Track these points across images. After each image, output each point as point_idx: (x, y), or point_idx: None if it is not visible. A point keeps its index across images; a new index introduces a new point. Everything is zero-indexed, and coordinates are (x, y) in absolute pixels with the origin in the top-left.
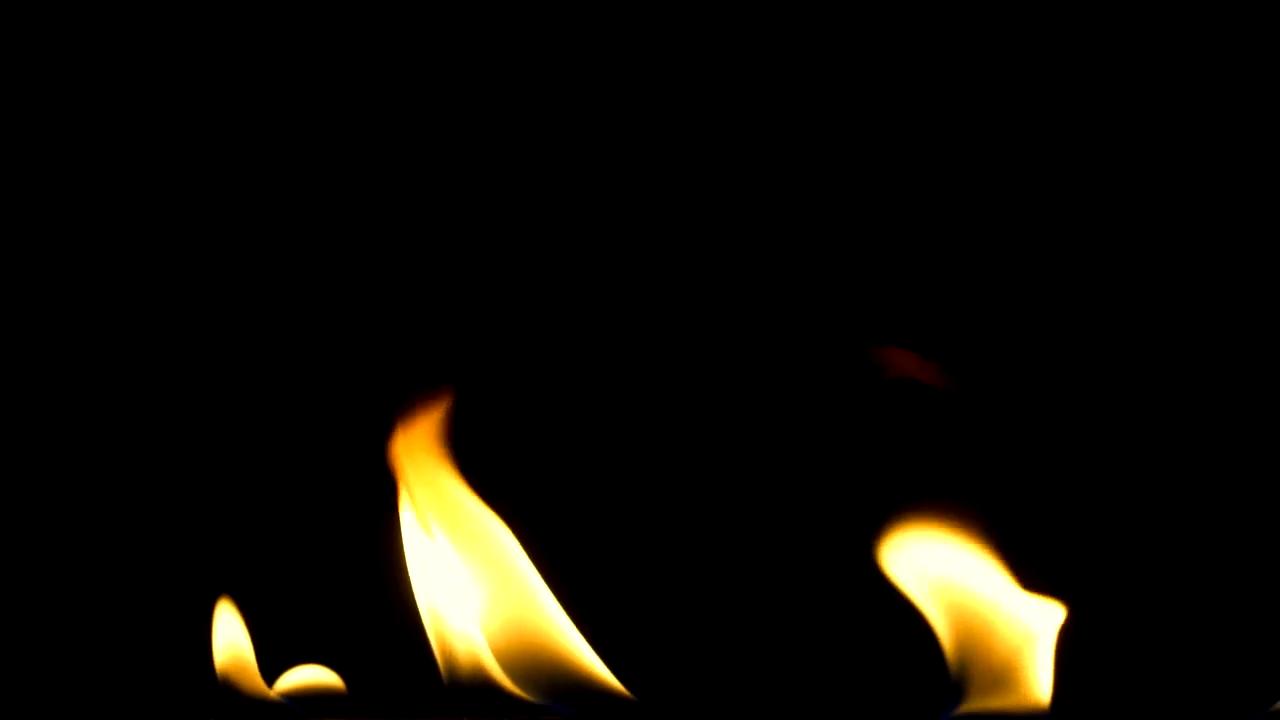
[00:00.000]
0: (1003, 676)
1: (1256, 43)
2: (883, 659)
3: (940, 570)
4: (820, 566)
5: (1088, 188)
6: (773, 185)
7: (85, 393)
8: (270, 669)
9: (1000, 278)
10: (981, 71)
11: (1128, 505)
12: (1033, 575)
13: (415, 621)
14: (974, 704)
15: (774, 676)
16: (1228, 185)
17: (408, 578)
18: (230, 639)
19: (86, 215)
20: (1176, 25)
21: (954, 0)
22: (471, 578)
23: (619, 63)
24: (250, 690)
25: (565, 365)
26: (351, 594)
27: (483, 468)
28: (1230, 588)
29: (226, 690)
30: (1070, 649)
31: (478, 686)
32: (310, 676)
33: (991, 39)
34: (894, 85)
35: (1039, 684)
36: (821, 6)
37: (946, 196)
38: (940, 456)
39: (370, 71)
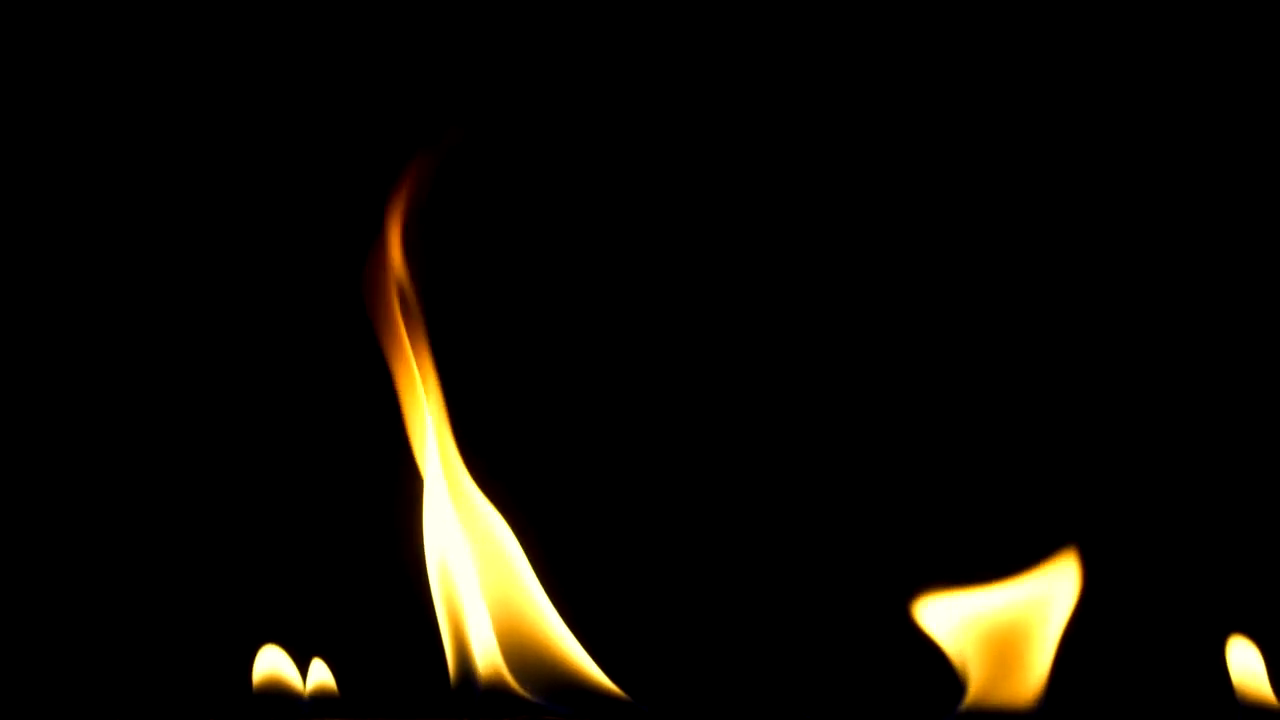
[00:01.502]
0: (1004, 668)
1: (1256, 43)
2: (882, 658)
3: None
4: (819, 565)
5: (1087, 187)
6: (773, 181)
7: (85, 392)
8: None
9: (996, 281)
10: (983, 72)
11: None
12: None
13: (418, 620)
14: (977, 698)
15: (774, 676)
16: (1228, 185)
17: (414, 576)
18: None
19: (76, 214)
20: (1177, 25)
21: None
22: (473, 573)
23: (619, 62)
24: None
25: (567, 362)
26: (351, 593)
27: (483, 466)
28: (1219, 586)
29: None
30: (1068, 644)
31: (489, 688)
32: (314, 676)
33: (992, 40)
34: (896, 85)
35: (1035, 676)
36: (822, 6)
37: (947, 193)
38: (936, 452)
39: (371, 70)
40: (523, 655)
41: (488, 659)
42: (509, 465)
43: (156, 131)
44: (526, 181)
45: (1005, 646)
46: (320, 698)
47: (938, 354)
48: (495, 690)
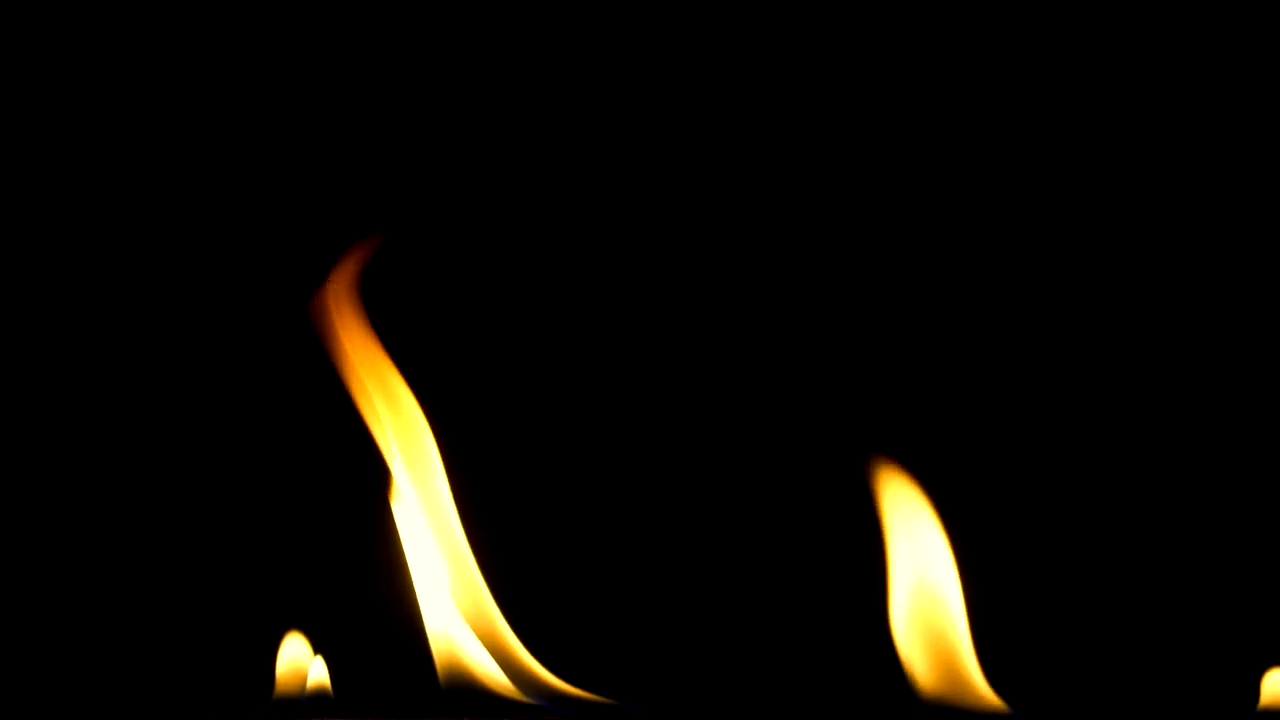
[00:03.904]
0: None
1: (1256, 43)
2: (870, 657)
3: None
4: (803, 565)
5: (1088, 188)
6: (741, 184)
7: (84, 394)
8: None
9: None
10: (983, 73)
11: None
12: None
13: (414, 620)
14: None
15: (761, 676)
16: (1228, 185)
17: (408, 576)
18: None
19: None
20: (1177, 25)
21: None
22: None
23: (618, 62)
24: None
25: (546, 364)
26: (350, 592)
27: (461, 464)
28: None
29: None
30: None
31: (474, 688)
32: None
33: (992, 41)
34: (894, 87)
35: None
36: (823, 7)
37: (942, 196)
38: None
39: (369, 69)
40: (510, 657)
41: (476, 660)
42: (495, 470)
43: (149, 139)
44: (493, 189)
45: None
46: (317, 697)
47: (920, 354)
48: (487, 690)
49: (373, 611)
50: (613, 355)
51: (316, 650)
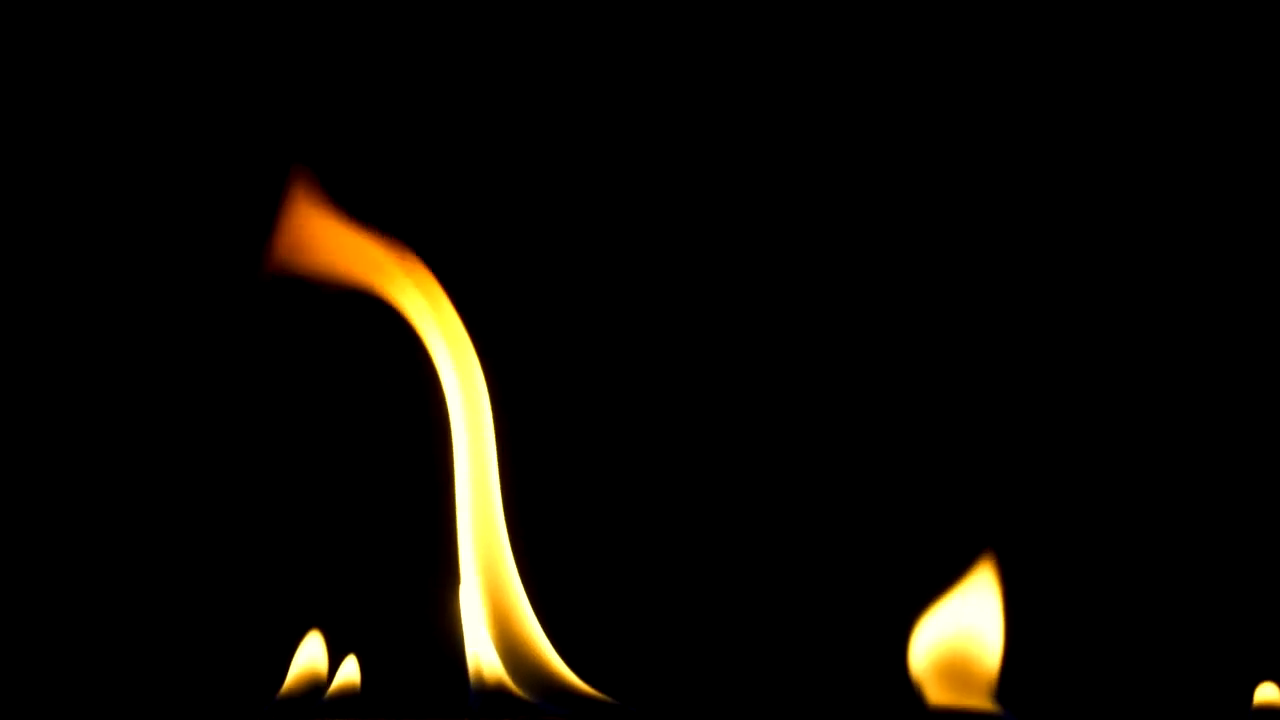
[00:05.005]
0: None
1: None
2: (860, 660)
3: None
4: (801, 568)
5: (1088, 188)
6: (754, 181)
7: (89, 392)
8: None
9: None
10: (983, 72)
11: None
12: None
13: (425, 620)
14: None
15: (758, 678)
16: (1228, 185)
17: (432, 577)
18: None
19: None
20: (1177, 25)
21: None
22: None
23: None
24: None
25: (548, 364)
26: (356, 592)
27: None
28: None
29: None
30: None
31: (498, 690)
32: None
33: (992, 40)
34: (895, 86)
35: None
36: (824, 7)
37: (946, 196)
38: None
39: (365, 69)
40: (517, 657)
41: (490, 661)
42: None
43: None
44: (503, 185)
45: (955, 668)
46: (340, 696)
47: (919, 359)
48: (495, 692)
49: (398, 612)
50: (614, 350)
51: (335, 650)
